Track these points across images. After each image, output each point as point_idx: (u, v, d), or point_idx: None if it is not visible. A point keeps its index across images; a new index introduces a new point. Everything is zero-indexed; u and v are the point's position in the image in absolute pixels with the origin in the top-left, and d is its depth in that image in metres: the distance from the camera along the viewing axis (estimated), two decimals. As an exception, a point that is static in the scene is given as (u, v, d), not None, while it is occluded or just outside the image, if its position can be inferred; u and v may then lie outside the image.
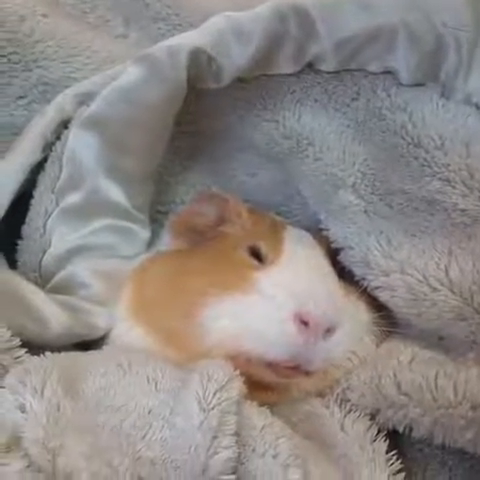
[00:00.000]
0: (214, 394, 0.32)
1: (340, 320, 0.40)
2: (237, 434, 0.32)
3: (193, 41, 0.45)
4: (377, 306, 0.45)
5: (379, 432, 0.37)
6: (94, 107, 0.46)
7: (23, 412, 0.31)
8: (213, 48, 0.45)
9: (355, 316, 0.44)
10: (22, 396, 0.32)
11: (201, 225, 0.49)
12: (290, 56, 0.46)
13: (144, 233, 0.51)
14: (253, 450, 0.32)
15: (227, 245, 0.46)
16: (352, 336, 0.42)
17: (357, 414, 0.38)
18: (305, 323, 0.39)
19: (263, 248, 0.45)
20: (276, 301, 0.40)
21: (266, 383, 0.40)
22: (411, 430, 0.36)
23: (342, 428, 0.37)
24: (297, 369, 0.40)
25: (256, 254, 0.45)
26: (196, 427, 0.31)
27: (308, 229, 0.50)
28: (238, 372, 0.35)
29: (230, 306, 0.40)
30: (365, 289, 0.45)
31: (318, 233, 0.49)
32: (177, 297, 0.43)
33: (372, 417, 0.38)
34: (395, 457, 0.36)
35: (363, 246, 0.45)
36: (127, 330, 0.44)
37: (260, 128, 0.50)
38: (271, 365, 0.40)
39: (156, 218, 0.53)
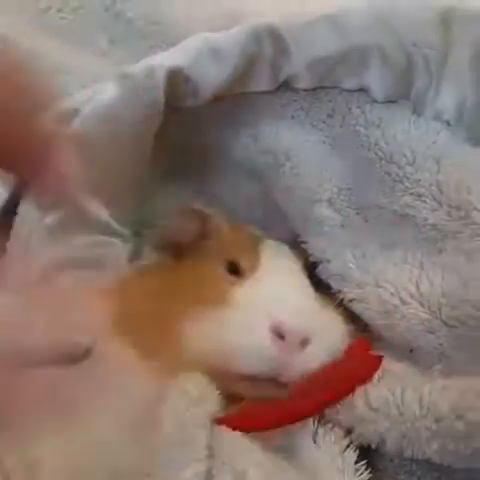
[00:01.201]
0: (187, 408, 0.33)
1: (316, 332, 0.41)
2: (208, 447, 0.32)
3: (171, 62, 0.46)
4: (352, 319, 0.46)
5: (350, 443, 0.38)
6: (75, 126, 0.47)
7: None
8: (190, 68, 0.46)
9: (331, 328, 0.44)
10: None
11: (182, 240, 0.50)
12: (266, 75, 0.48)
13: (126, 247, 0.52)
14: (223, 463, 0.32)
15: (206, 260, 0.47)
16: (328, 348, 0.43)
17: (329, 426, 0.38)
18: (281, 336, 0.40)
19: (241, 263, 0.46)
20: (251, 315, 0.41)
21: (244, 397, 0.41)
22: (381, 444, 0.37)
23: (314, 440, 0.37)
24: (274, 382, 0.41)
25: (234, 269, 0.46)
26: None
27: (287, 242, 0.51)
28: (214, 386, 0.36)
29: (207, 322, 0.41)
30: (341, 301, 0.46)
31: (296, 246, 0.50)
32: (156, 312, 0.44)
33: (347, 433, 0.38)
34: (364, 467, 0.37)
35: (339, 259, 0.46)
36: (106, 343, 0.45)
37: (238, 144, 0.51)
38: (249, 379, 0.40)
39: (138, 232, 0.54)
